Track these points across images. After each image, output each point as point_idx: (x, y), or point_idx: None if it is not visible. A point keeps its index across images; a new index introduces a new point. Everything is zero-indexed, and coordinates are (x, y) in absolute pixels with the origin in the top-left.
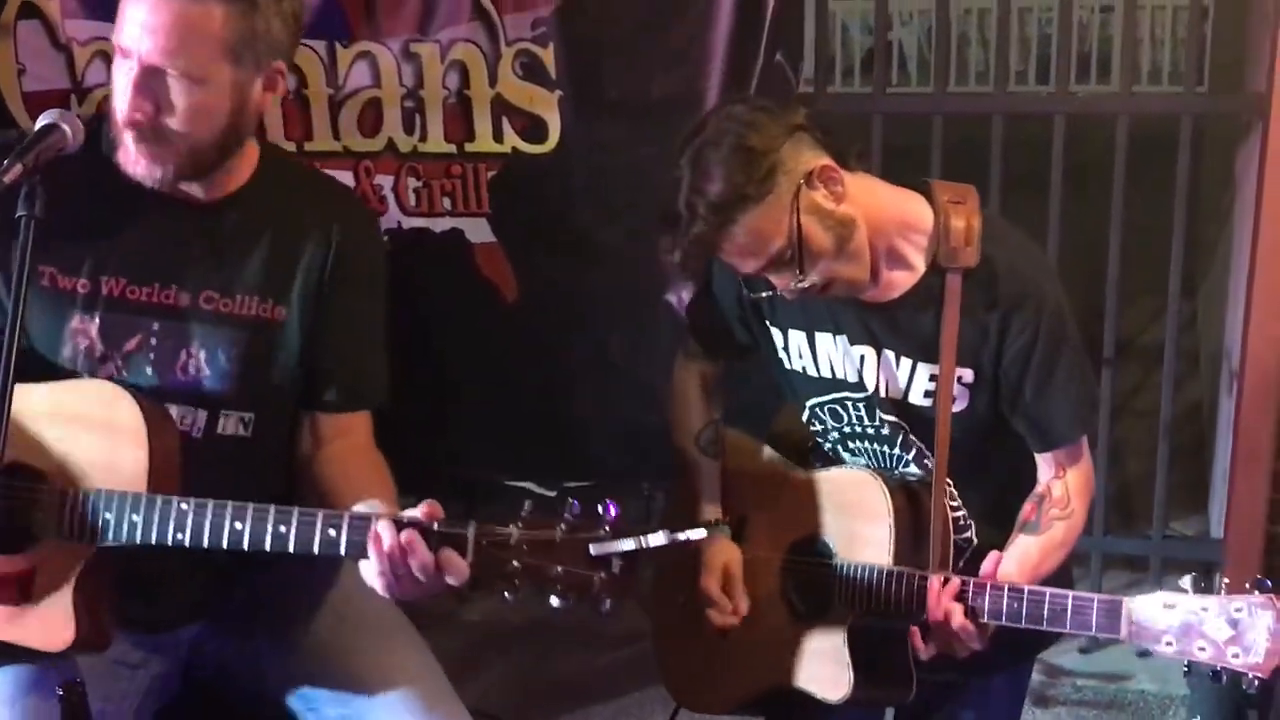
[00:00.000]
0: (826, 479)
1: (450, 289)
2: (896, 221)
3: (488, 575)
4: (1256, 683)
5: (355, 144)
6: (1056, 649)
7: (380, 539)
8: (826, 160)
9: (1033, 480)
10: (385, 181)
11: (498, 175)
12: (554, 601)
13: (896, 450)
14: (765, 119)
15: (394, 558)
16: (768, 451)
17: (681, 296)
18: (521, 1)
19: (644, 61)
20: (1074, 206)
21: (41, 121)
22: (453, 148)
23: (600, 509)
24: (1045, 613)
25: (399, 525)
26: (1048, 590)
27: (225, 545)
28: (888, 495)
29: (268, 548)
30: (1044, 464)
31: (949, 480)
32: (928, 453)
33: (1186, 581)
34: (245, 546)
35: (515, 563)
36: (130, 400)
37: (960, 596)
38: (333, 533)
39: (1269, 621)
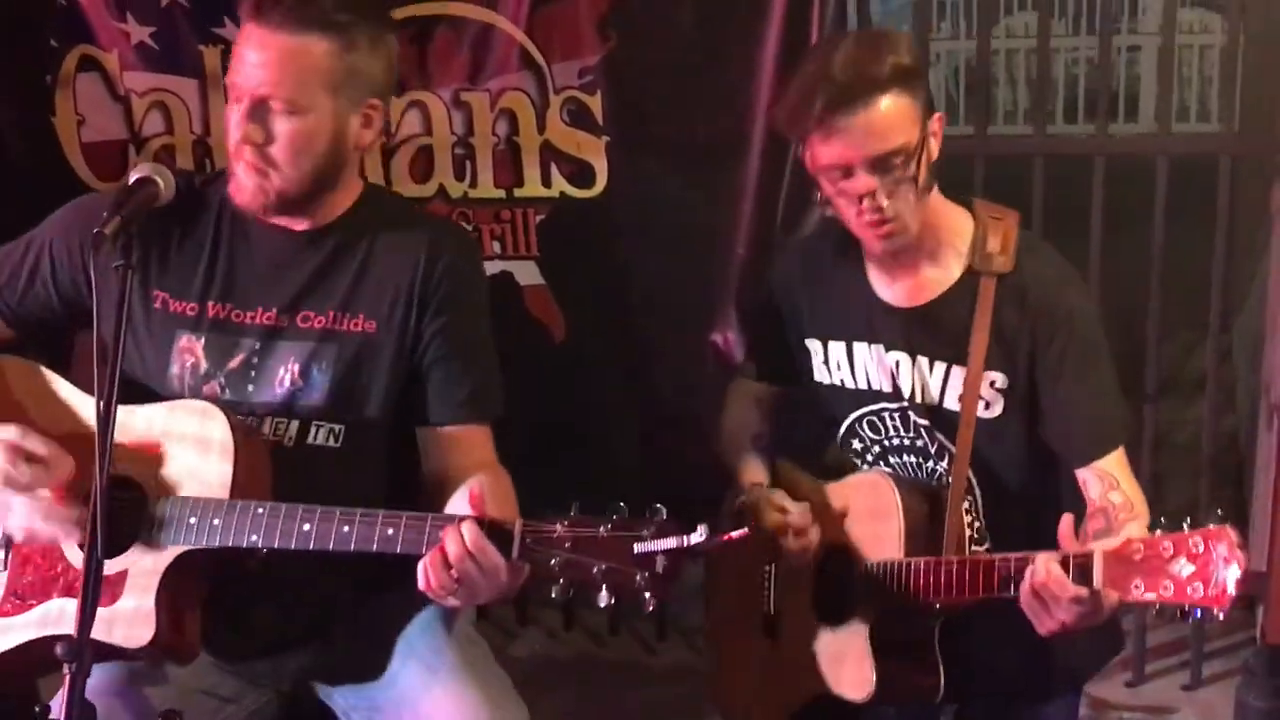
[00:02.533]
0: (844, 486)
1: (500, 330)
2: (943, 220)
3: (533, 571)
4: (1221, 616)
5: (407, 190)
6: (1102, 681)
7: (449, 540)
8: (939, 114)
9: (1060, 511)
10: None
11: (546, 219)
12: (601, 600)
13: (930, 463)
14: (911, 39)
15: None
16: (795, 471)
17: (727, 336)
18: (569, 50)
19: (689, 107)
20: (1111, 245)
21: (135, 175)
22: (502, 193)
23: (648, 511)
24: (1011, 574)
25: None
26: (1011, 556)
27: (294, 545)
28: (897, 492)
29: (331, 547)
30: (1092, 479)
31: (973, 493)
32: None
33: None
34: (312, 546)
35: (558, 559)
36: (222, 418)
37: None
38: (390, 531)
39: (1223, 552)
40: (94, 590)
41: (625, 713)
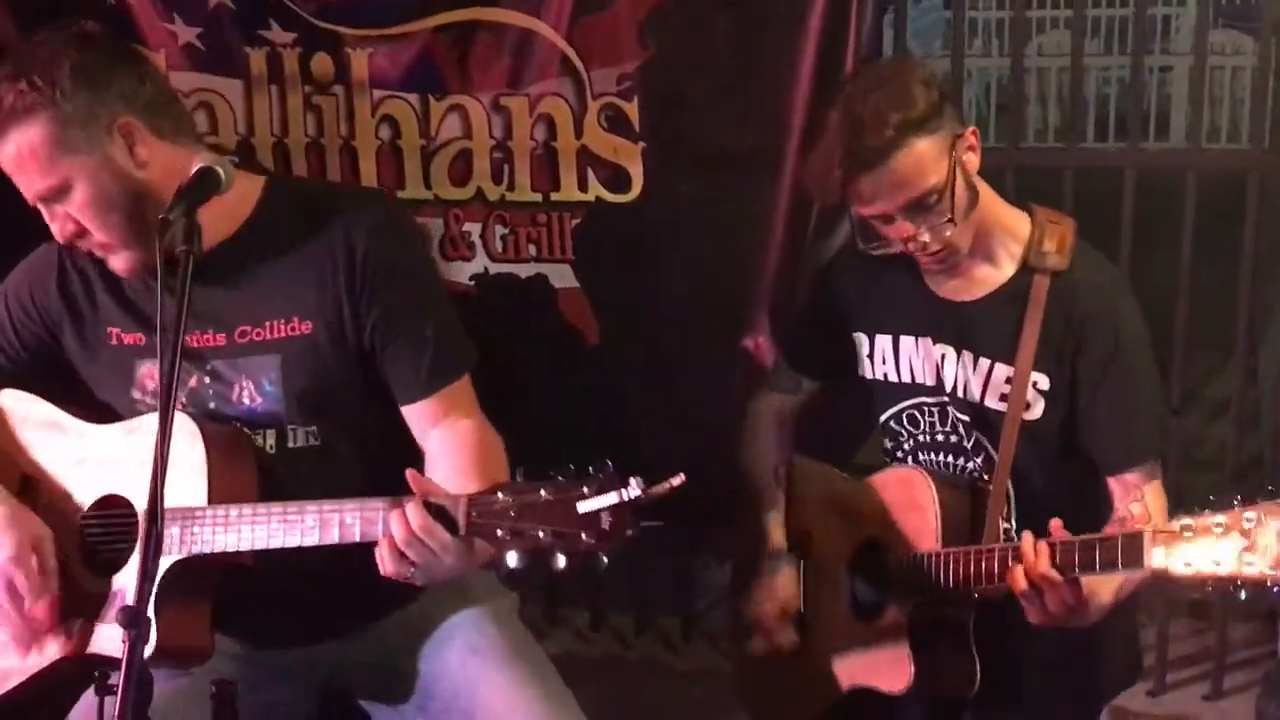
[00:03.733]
0: (878, 481)
1: (534, 332)
2: (998, 220)
3: (485, 543)
4: (1276, 590)
5: (446, 192)
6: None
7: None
8: (973, 128)
9: (1095, 517)
10: (474, 228)
11: (581, 223)
12: (558, 564)
13: (963, 460)
14: (933, 71)
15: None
16: (829, 469)
17: (759, 341)
18: (608, 57)
19: (725, 116)
20: (1142, 261)
21: (198, 165)
22: (539, 197)
23: (591, 469)
24: (1075, 560)
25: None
26: (1103, 537)
27: (268, 544)
28: (932, 486)
29: (300, 541)
30: (1119, 487)
31: (1007, 492)
32: (996, 459)
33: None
34: (283, 543)
35: (504, 530)
36: (194, 425)
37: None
38: (349, 520)
39: (1277, 526)
40: (154, 554)
41: (650, 712)
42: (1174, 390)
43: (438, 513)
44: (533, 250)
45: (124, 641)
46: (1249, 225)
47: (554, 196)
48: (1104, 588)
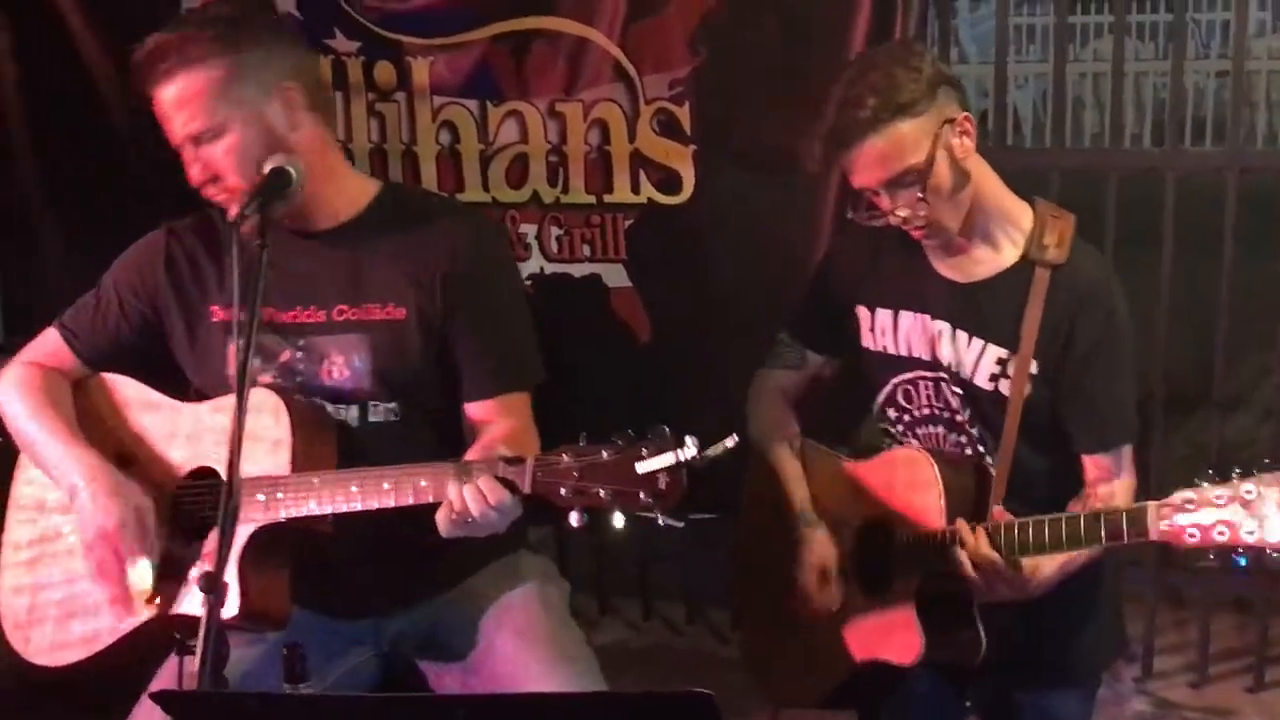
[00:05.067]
0: (879, 462)
1: (588, 330)
2: (999, 208)
3: (547, 501)
4: (1276, 555)
5: (503, 195)
6: (1166, 682)
7: (464, 496)
8: (967, 114)
9: (1078, 487)
10: (529, 230)
11: (634, 224)
12: (616, 522)
13: (956, 434)
14: (930, 58)
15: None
16: (833, 451)
17: None
18: (660, 63)
19: (774, 118)
20: (1186, 262)
21: (270, 165)
22: (593, 199)
23: (649, 431)
24: (1081, 532)
25: (468, 475)
26: (1064, 514)
27: (346, 507)
28: (934, 464)
29: (379, 504)
30: (1092, 467)
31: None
32: (989, 437)
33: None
34: (361, 505)
35: (568, 488)
36: (279, 399)
37: (991, 532)
38: (423, 483)
39: (1277, 495)
40: (230, 526)
41: None
42: (1216, 390)
43: (505, 472)
44: (587, 251)
45: (203, 606)
46: None
47: (607, 198)
48: (1048, 564)
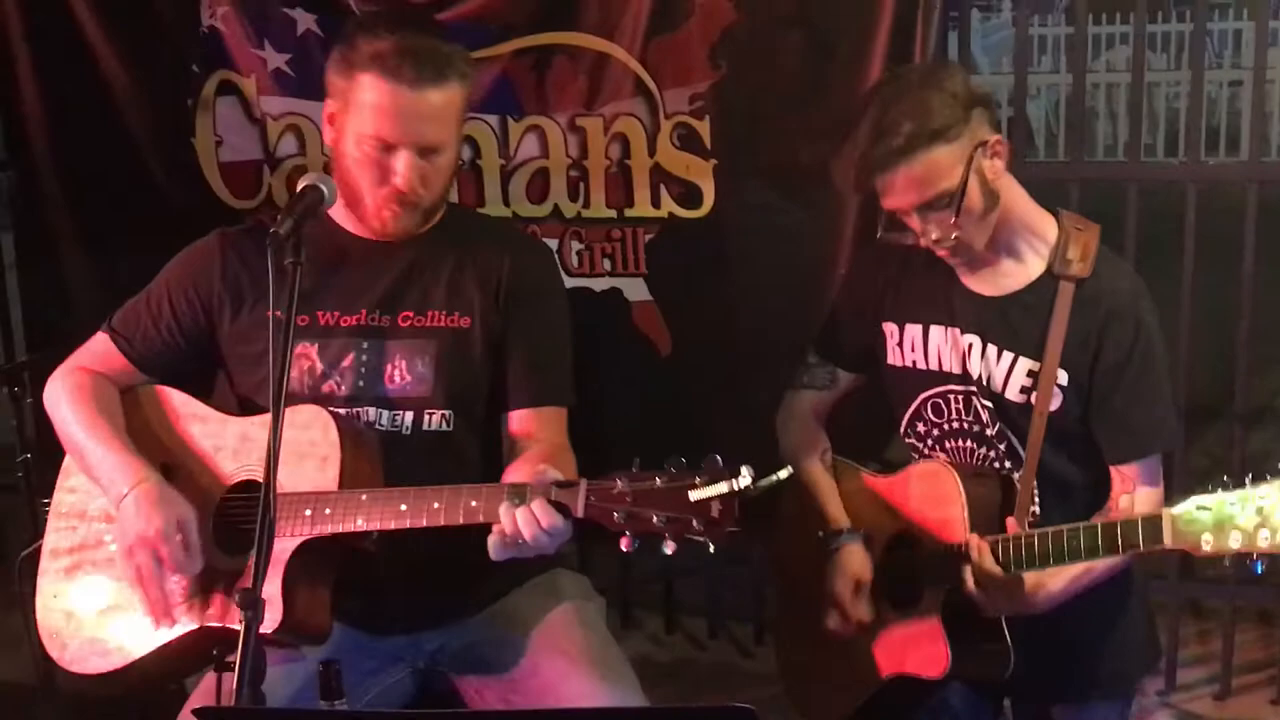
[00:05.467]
0: (904, 476)
1: (609, 344)
2: (1024, 222)
3: (600, 525)
4: None
5: (524, 209)
6: (1189, 694)
7: (517, 520)
8: (999, 136)
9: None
10: (551, 244)
11: (655, 238)
12: (667, 549)
13: (985, 448)
14: (963, 78)
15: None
16: (858, 467)
17: None
18: (680, 78)
19: (794, 132)
20: (1206, 274)
21: (303, 183)
22: (613, 213)
23: (703, 461)
24: (1099, 543)
25: (521, 498)
26: (1083, 525)
27: (394, 525)
28: (958, 478)
29: (426, 523)
30: (1117, 478)
31: (1033, 486)
32: (1019, 450)
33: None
34: (409, 523)
35: (621, 514)
36: (329, 417)
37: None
38: (474, 503)
39: None
40: (267, 545)
41: None
42: (1239, 403)
43: (559, 497)
44: (608, 265)
45: (241, 622)
46: None
47: (628, 213)
48: (1054, 579)
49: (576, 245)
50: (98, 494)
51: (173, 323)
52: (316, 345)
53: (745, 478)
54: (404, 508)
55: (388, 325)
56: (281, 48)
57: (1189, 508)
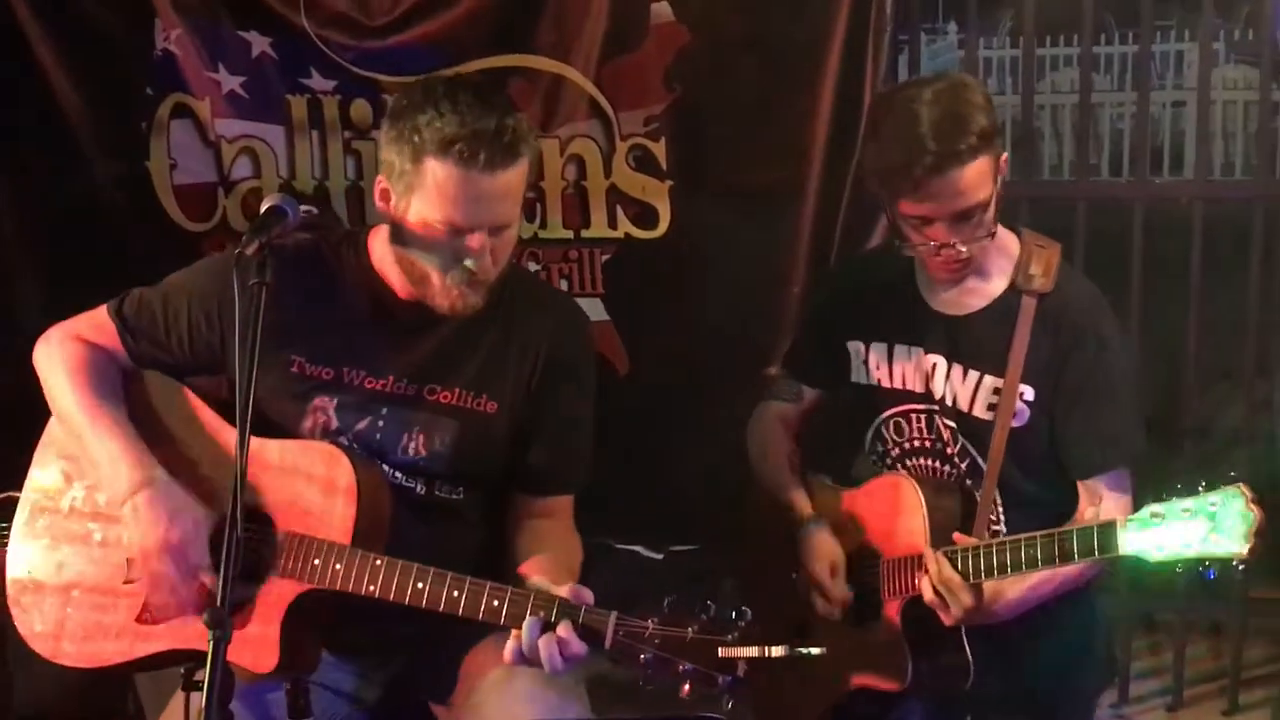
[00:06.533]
0: (867, 490)
1: None
2: (995, 239)
3: (623, 661)
4: (1240, 567)
5: None
6: (1142, 707)
7: (539, 646)
8: (1005, 153)
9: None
10: None
11: (611, 259)
12: (683, 693)
13: (947, 466)
14: (985, 92)
15: (552, 656)
16: (820, 481)
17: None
18: (636, 100)
19: (749, 153)
20: (1152, 291)
21: (267, 203)
22: (570, 234)
23: (734, 613)
24: (1055, 552)
25: (549, 613)
26: (1039, 534)
27: (407, 601)
28: (918, 489)
29: (441, 609)
30: (1083, 492)
31: (995, 499)
32: (981, 465)
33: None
34: (423, 605)
35: (647, 655)
36: (348, 463)
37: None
38: (495, 603)
39: (1239, 506)
40: (234, 561)
41: None
42: (1187, 418)
43: (588, 626)
44: (565, 285)
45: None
46: (1254, 255)
47: (585, 233)
48: (1012, 587)
49: (533, 266)
50: (84, 481)
51: (185, 338)
52: (336, 401)
53: (780, 649)
54: (421, 586)
55: (413, 395)
56: (235, 70)
57: (1143, 515)
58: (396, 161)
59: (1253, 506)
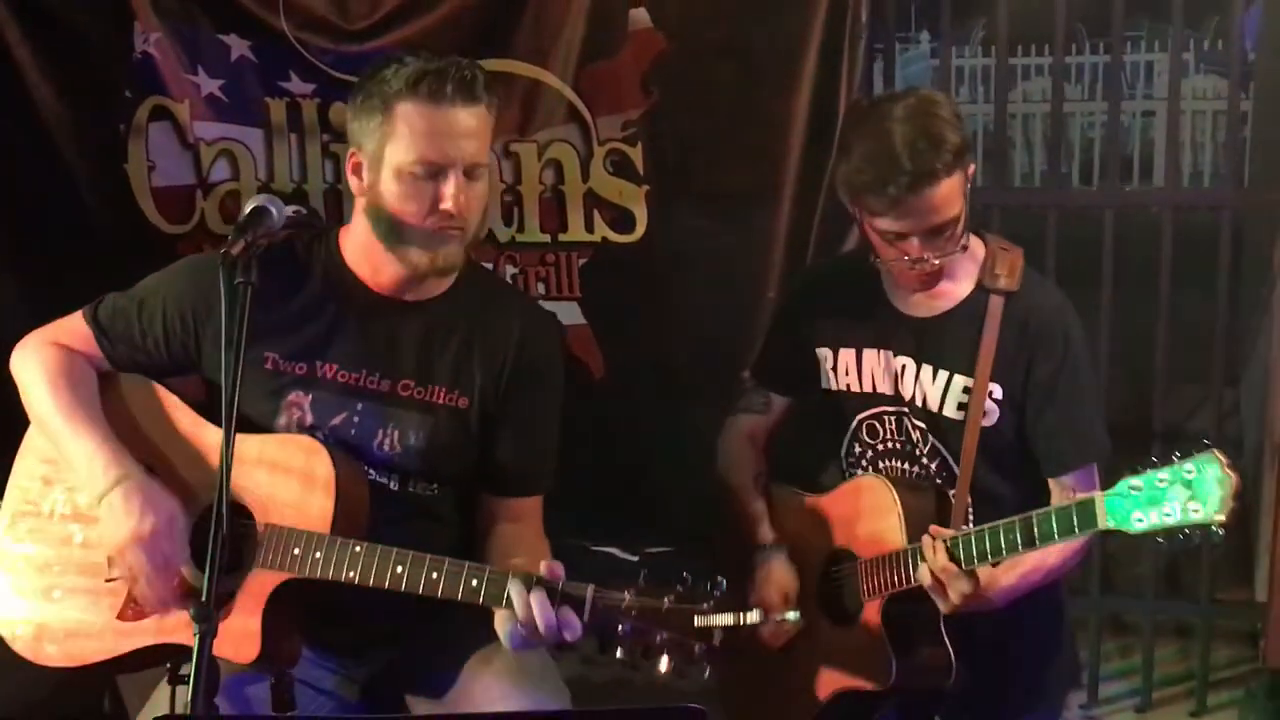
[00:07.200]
0: (840, 493)
1: None
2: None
3: (602, 632)
4: (1220, 532)
5: None
6: (1111, 708)
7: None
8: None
9: None
10: (485, 267)
11: (588, 263)
12: (661, 665)
13: (918, 469)
14: (954, 107)
15: (527, 621)
16: (794, 490)
17: None
18: (613, 105)
19: (725, 158)
20: (1123, 298)
21: (251, 204)
22: (547, 237)
23: (709, 584)
24: (1035, 533)
25: (529, 585)
26: (1018, 518)
27: (387, 585)
28: (892, 488)
29: (421, 591)
30: (1055, 489)
31: (966, 500)
32: (953, 467)
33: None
34: (403, 588)
35: (624, 626)
36: (327, 456)
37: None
38: (475, 583)
39: (1216, 471)
40: (220, 557)
41: None
42: (1156, 423)
43: (569, 598)
44: (541, 289)
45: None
46: (1222, 262)
47: (562, 237)
48: (1006, 573)
49: (511, 269)
50: (64, 484)
51: (160, 340)
52: (310, 396)
53: (755, 614)
54: (400, 570)
55: (386, 390)
56: (214, 73)
57: (1120, 488)
58: (365, 124)
59: (1229, 471)
